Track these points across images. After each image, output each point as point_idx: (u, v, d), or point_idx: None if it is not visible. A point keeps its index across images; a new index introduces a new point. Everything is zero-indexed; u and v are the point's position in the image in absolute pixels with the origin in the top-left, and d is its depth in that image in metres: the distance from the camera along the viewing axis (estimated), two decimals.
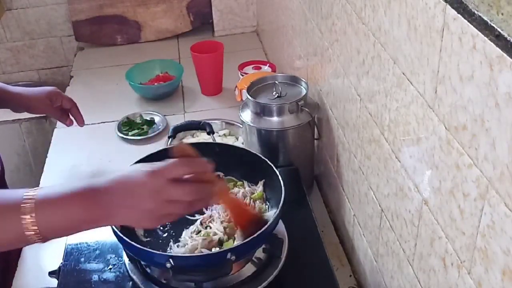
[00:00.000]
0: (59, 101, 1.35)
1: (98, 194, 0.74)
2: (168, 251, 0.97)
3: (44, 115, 1.88)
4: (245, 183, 1.09)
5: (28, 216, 0.70)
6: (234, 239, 0.97)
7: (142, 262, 0.97)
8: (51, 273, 1.02)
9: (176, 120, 1.60)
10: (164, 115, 1.66)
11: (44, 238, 0.72)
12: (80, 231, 0.76)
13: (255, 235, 0.88)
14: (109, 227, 0.91)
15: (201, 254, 0.93)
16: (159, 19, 2.17)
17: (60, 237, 0.77)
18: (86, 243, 1.05)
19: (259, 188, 1.06)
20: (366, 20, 0.90)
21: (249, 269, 0.96)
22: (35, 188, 0.74)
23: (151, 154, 1.05)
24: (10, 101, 1.32)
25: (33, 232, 0.70)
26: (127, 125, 1.63)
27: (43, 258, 1.21)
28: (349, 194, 1.14)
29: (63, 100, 1.36)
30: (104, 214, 0.74)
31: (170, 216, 0.77)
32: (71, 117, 1.40)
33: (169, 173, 0.74)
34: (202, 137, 1.47)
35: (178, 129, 1.37)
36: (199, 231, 0.99)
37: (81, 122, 1.42)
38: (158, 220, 0.77)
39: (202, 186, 0.76)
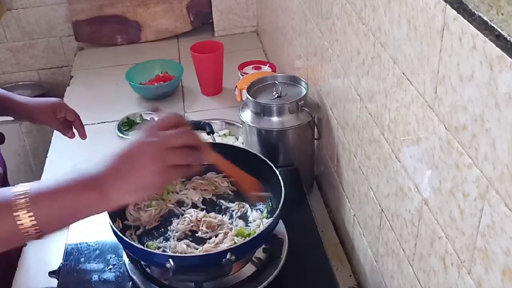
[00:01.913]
0: (63, 113, 1.35)
1: (92, 178, 0.73)
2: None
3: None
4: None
5: (24, 212, 0.69)
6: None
7: (142, 262, 0.97)
8: (51, 273, 1.02)
9: None
10: None
11: (43, 232, 0.71)
12: (79, 220, 0.74)
13: (255, 234, 0.88)
14: (109, 227, 0.91)
15: (201, 254, 0.93)
16: (159, 19, 2.17)
17: (59, 229, 0.75)
18: (86, 243, 1.05)
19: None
20: (366, 20, 0.90)
21: (249, 269, 0.96)
22: (26, 183, 0.73)
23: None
24: (14, 110, 1.33)
25: (31, 227, 0.70)
26: (127, 125, 1.63)
27: (43, 258, 1.21)
28: (349, 194, 1.14)
29: (67, 113, 1.35)
30: (100, 198, 0.73)
31: (169, 181, 0.79)
32: (74, 130, 1.40)
33: (167, 143, 0.75)
34: (202, 137, 1.47)
35: None
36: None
37: (83, 136, 1.41)
38: (158, 188, 0.80)
39: (194, 151, 0.78)
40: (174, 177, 0.78)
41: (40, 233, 0.71)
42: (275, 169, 1.02)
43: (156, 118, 0.79)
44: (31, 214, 0.70)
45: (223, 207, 1.06)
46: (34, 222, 0.70)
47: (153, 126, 0.76)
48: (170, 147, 0.75)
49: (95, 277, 0.98)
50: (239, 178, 0.93)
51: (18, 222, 0.70)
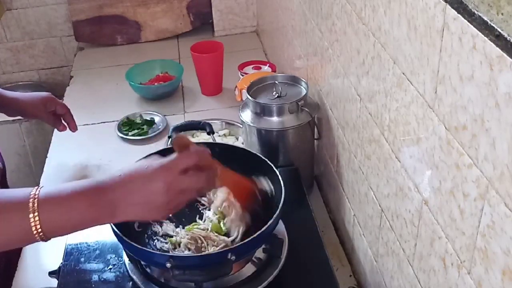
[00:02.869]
0: (53, 107, 1.38)
1: (103, 192, 0.74)
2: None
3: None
4: None
5: (32, 215, 0.70)
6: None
7: (142, 262, 0.97)
8: (51, 273, 1.02)
9: (176, 120, 1.60)
10: (164, 115, 1.66)
11: (45, 237, 0.72)
12: (82, 229, 0.76)
13: (255, 235, 0.88)
14: (109, 227, 0.91)
15: (201, 254, 0.93)
16: (159, 19, 2.17)
17: (62, 235, 0.77)
18: (86, 243, 1.05)
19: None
20: (366, 20, 0.90)
21: (249, 269, 0.96)
22: (37, 187, 0.74)
23: (151, 154, 1.05)
24: (4, 105, 1.34)
25: (35, 231, 0.70)
26: (127, 125, 1.63)
27: (43, 258, 1.22)
28: (349, 194, 1.14)
29: (57, 106, 1.38)
30: (108, 212, 0.75)
31: (180, 205, 0.80)
32: (64, 122, 1.41)
33: (179, 166, 0.78)
34: (202, 137, 1.47)
35: (178, 129, 1.37)
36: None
37: (73, 128, 1.44)
38: (169, 211, 0.80)
39: (207, 172, 0.81)
40: (183, 203, 0.80)
41: (43, 237, 0.72)
42: (275, 169, 1.02)
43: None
44: (37, 219, 0.71)
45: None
46: (38, 226, 0.71)
47: (175, 164, 0.78)
48: (183, 170, 0.77)
49: (95, 277, 0.98)
50: (239, 196, 0.96)
51: (31, 224, 0.70)
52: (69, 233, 0.80)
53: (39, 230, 0.71)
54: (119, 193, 0.75)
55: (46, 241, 0.73)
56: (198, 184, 0.80)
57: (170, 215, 0.99)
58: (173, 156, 0.79)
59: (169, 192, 0.76)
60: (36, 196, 0.72)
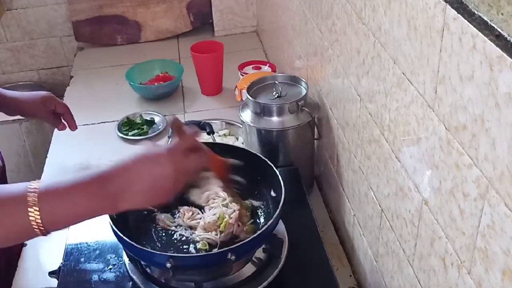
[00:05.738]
0: (53, 106, 1.38)
1: (105, 182, 0.74)
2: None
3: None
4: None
5: (31, 209, 0.70)
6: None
7: (142, 262, 0.97)
8: (51, 273, 1.02)
9: None
10: (164, 115, 1.66)
11: (46, 231, 0.71)
12: (84, 220, 0.75)
13: (255, 235, 0.88)
14: (109, 227, 0.91)
15: (201, 254, 0.93)
16: (159, 19, 2.17)
17: (63, 228, 0.76)
18: (86, 243, 1.05)
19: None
20: (366, 20, 0.90)
21: (249, 269, 0.96)
22: (37, 180, 0.74)
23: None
24: (5, 105, 1.34)
25: (35, 225, 0.70)
26: (127, 125, 1.63)
27: (43, 258, 1.22)
28: (349, 194, 1.14)
29: (56, 105, 1.38)
30: (110, 202, 0.74)
31: (181, 187, 0.82)
32: (63, 121, 1.41)
33: (182, 148, 0.81)
34: (202, 137, 1.47)
35: None
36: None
37: (73, 127, 1.44)
38: (174, 194, 0.80)
39: (203, 152, 0.85)
40: (184, 182, 0.82)
41: (44, 231, 0.72)
42: (275, 169, 1.02)
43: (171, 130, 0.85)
44: (37, 213, 0.70)
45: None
46: (39, 221, 0.70)
47: (179, 148, 0.81)
48: (188, 170, 0.81)
49: (95, 277, 0.98)
50: (217, 171, 0.98)
51: (31, 218, 0.70)
52: (71, 225, 0.79)
53: (40, 224, 0.70)
54: (124, 182, 0.74)
55: (46, 235, 0.72)
56: (199, 164, 0.83)
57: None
58: (174, 140, 0.83)
59: (177, 174, 0.78)
60: (36, 190, 0.71)
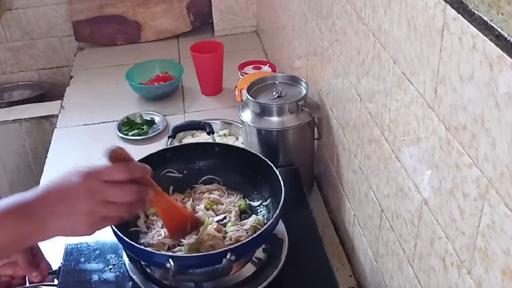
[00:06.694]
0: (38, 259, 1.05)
1: (29, 207, 0.70)
2: None
3: (43, 118, 1.89)
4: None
5: None
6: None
7: (142, 262, 0.97)
8: (51, 273, 1.01)
9: (176, 120, 1.60)
10: (164, 115, 1.66)
11: None
12: (17, 250, 0.73)
13: (252, 236, 0.88)
14: (109, 228, 0.91)
15: (201, 254, 0.93)
16: (159, 19, 2.17)
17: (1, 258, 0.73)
18: (86, 243, 1.05)
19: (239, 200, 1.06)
20: (366, 20, 0.90)
21: (249, 269, 0.96)
22: None
23: (151, 154, 1.05)
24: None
25: None
26: (127, 125, 1.63)
27: None
28: (349, 194, 1.14)
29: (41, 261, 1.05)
30: (37, 227, 0.70)
31: (107, 220, 0.75)
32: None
33: (106, 175, 0.73)
34: (202, 137, 1.47)
35: (178, 129, 1.37)
36: None
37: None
38: (95, 225, 0.73)
39: (139, 187, 0.75)
40: (111, 218, 0.75)
41: None
42: (275, 169, 1.02)
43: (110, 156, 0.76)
44: None
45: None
46: None
47: (100, 173, 0.73)
48: (108, 201, 0.72)
49: (95, 277, 0.98)
50: (169, 222, 0.93)
51: None
52: (4, 257, 0.75)
53: None
54: (46, 205, 0.70)
55: None
56: (125, 198, 0.73)
57: (98, 230, 0.79)
58: (103, 165, 0.75)
59: (91, 200, 0.71)
60: None
